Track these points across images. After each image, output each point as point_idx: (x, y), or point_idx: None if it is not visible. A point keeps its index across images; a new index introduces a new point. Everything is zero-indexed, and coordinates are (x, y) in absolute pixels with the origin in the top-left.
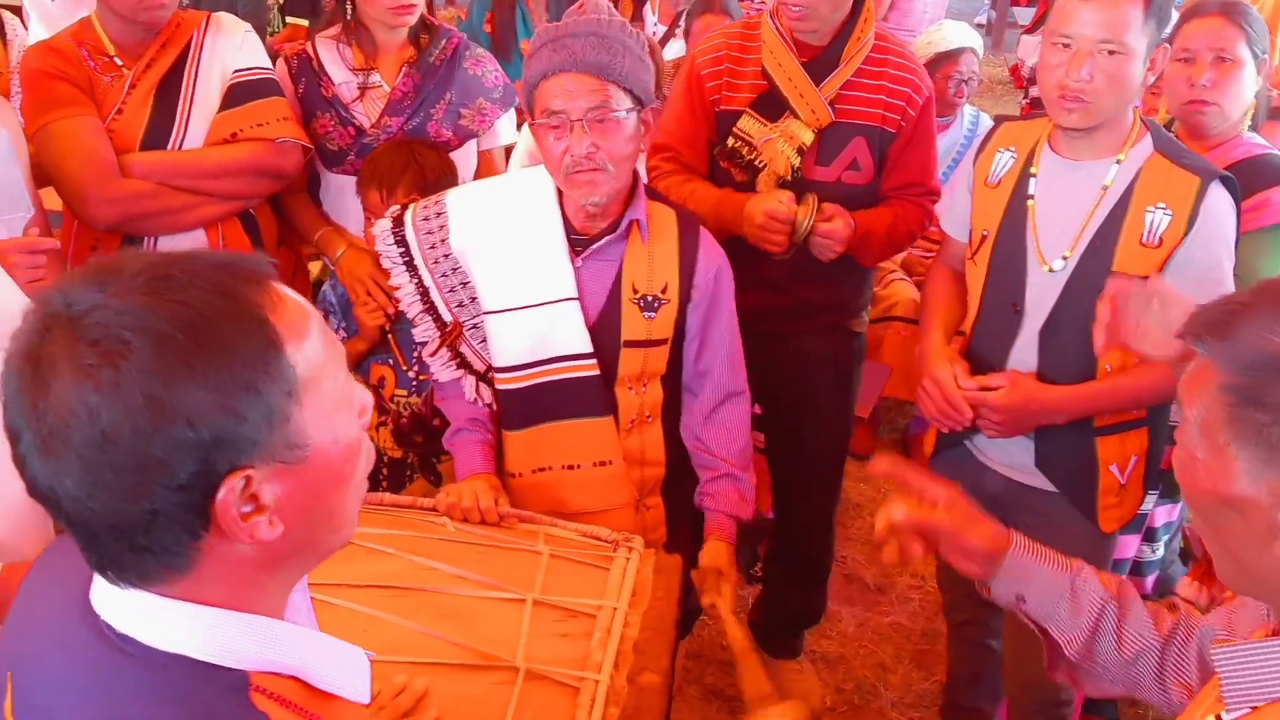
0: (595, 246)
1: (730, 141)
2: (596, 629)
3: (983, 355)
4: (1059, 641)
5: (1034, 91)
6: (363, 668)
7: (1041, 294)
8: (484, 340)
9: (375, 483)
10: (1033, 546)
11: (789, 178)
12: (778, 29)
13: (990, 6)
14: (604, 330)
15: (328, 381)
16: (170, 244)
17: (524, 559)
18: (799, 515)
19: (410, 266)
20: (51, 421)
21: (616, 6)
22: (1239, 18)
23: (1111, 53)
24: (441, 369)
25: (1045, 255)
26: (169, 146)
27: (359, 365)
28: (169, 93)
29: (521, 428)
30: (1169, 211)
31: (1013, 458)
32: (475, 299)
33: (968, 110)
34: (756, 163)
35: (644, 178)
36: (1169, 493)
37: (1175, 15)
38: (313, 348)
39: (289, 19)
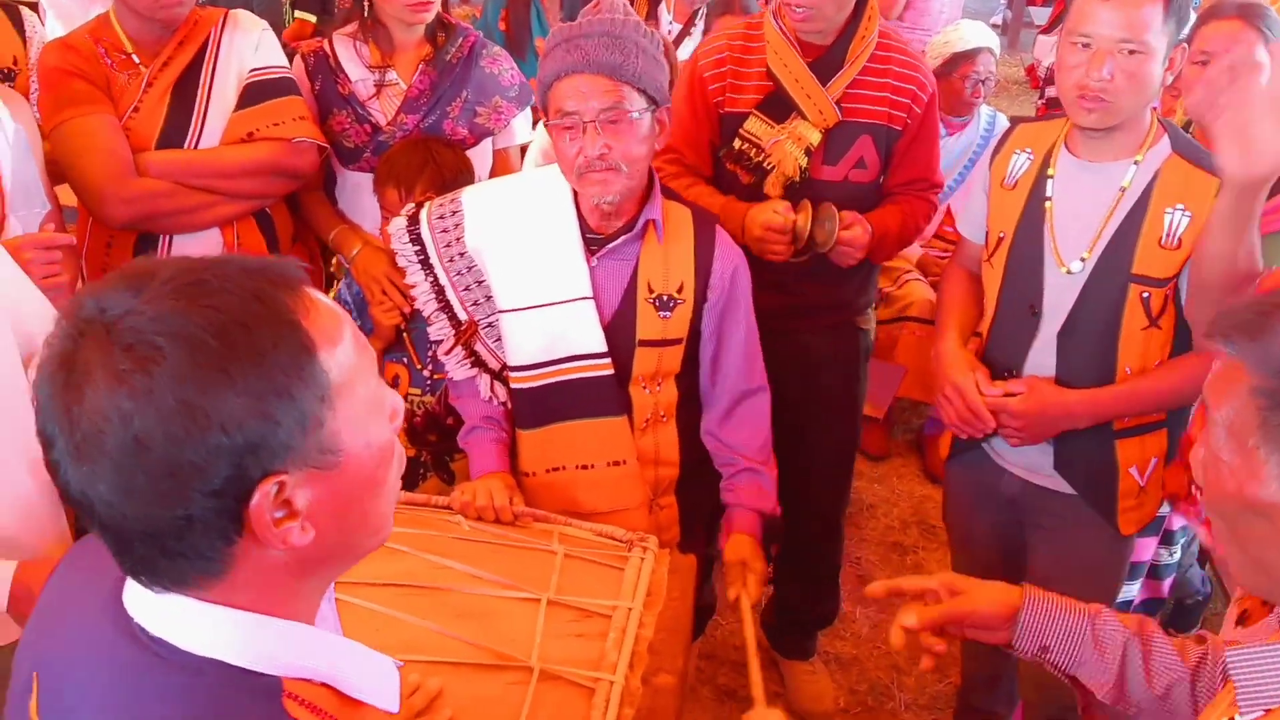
0: (611, 246)
1: (737, 144)
2: (611, 629)
3: (999, 358)
4: (1090, 688)
5: (1050, 92)
6: (392, 676)
7: (1059, 296)
8: (499, 339)
9: None
10: (1047, 596)
11: (797, 179)
12: (781, 29)
13: (1006, 6)
14: (619, 330)
15: (360, 386)
16: (185, 243)
17: (539, 558)
18: (807, 514)
19: (425, 265)
20: (85, 427)
21: (632, 4)
22: (1257, 20)
23: (1131, 52)
24: (456, 367)
25: (1063, 257)
26: (185, 145)
27: None
28: (186, 91)
29: (535, 427)
30: (1188, 212)
31: (1031, 460)
32: (490, 298)
33: (985, 110)
34: (765, 165)
35: None
36: None
37: (1193, 16)
38: (345, 352)
39: (297, 13)
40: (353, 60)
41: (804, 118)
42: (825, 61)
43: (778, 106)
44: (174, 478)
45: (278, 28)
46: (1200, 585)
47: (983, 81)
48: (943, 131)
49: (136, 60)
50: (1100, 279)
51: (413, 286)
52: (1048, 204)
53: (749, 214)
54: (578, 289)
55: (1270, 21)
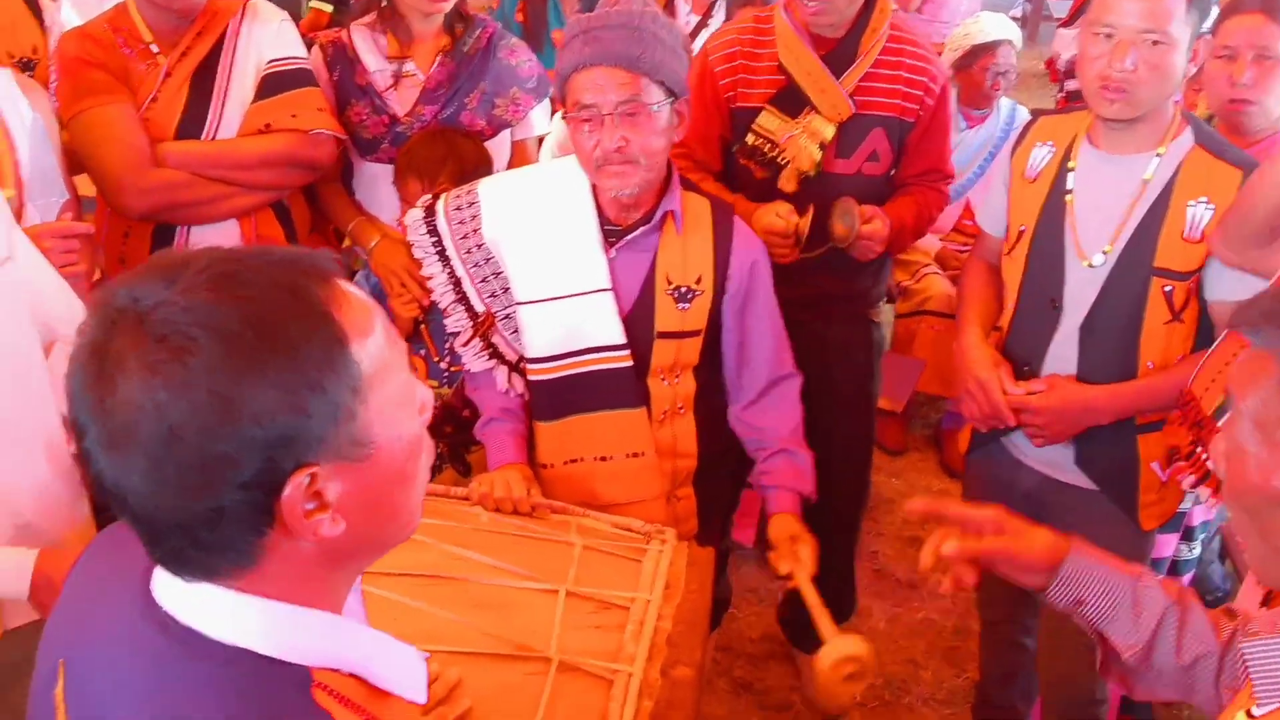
0: (629, 237)
1: (750, 139)
2: (630, 621)
3: (1020, 352)
4: (1117, 647)
5: (1069, 85)
6: (419, 668)
7: (1081, 290)
8: (516, 331)
9: None
10: (1093, 553)
11: (812, 173)
12: (792, 22)
13: None
14: (637, 321)
15: (391, 379)
16: (203, 233)
17: (557, 550)
18: (823, 508)
19: (442, 256)
20: (118, 418)
21: None
22: None
23: (1155, 43)
24: (473, 359)
25: (1084, 250)
26: (203, 136)
27: None
28: (204, 82)
29: (553, 419)
30: (1211, 206)
31: (1051, 455)
32: (508, 289)
33: (1005, 103)
34: (779, 160)
35: None
36: None
37: (1215, 9)
38: (376, 345)
39: (314, 3)
40: (371, 51)
41: (818, 112)
42: (837, 55)
43: (791, 101)
44: (206, 469)
45: (297, 18)
46: (1220, 582)
47: (1003, 74)
48: (962, 124)
49: (155, 50)
50: (1122, 272)
51: (430, 278)
52: (1069, 197)
53: (753, 217)
54: (596, 281)
55: None
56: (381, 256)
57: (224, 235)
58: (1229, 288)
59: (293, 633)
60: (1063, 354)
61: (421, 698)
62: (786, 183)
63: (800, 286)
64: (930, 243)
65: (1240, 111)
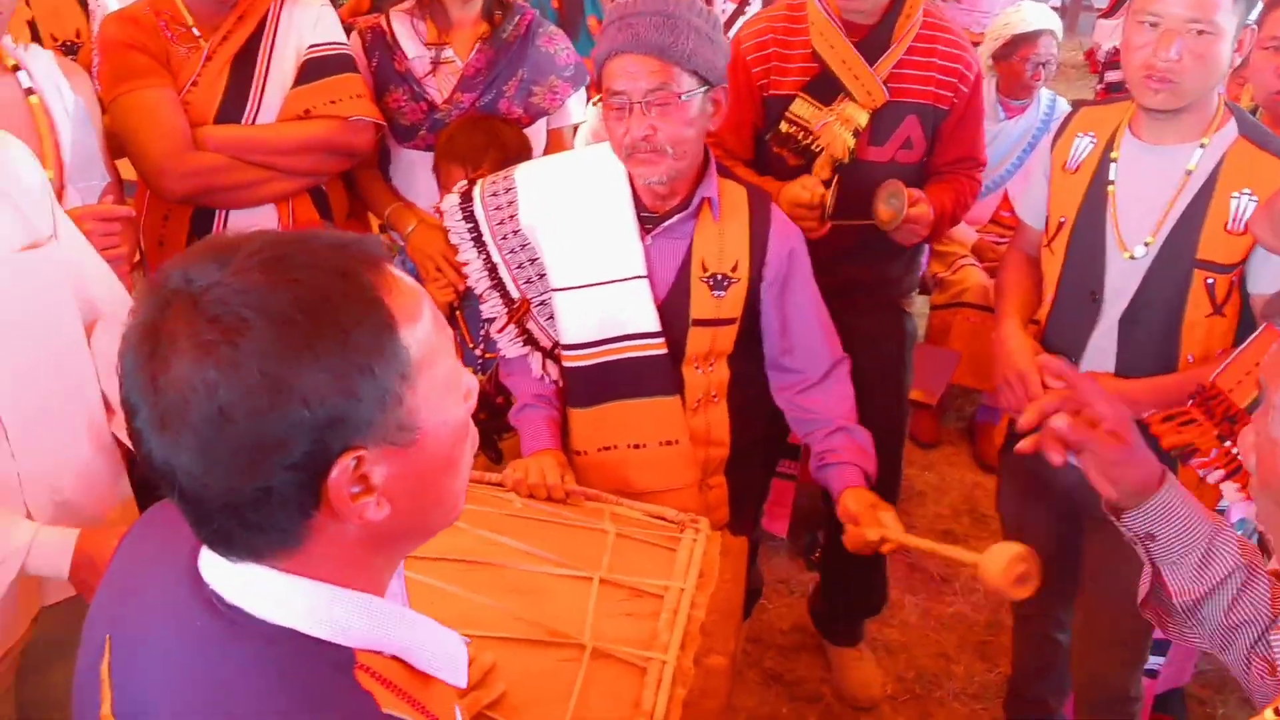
0: (665, 224)
1: (784, 127)
2: (664, 609)
3: (1059, 344)
4: (1170, 589)
5: (1110, 76)
6: (461, 652)
7: (1122, 281)
8: (551, 317)
9: None
10: (1183, 492)
11: (846, 161)
12: (825, 9)
13: None
14: (672, 309)
15: (438, 365)
16: (241, 217)
17: (590, 537)
18: None
19: (479, 242)
20: (170, 397)
21: None
22: None
23: (1200, 32)
24: (508, 345)
25: (1126, 242)
26: (243, 120)
27: None
28: (244, 66)
29: (588, 405)
30: (1255, 197)
31: None
32: (543, 275)
33: (1045, 94)
34: (813, 148)
35: None
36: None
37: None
38: (424, 330)
39: None
40: (410, 37)
41: (852, 99)
42: (871, 41)
43: (824, 88)
44: (255, 450)
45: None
46: None
47: (1043, 64)
48: (1001, 115)
49: (196, 33)
50: (1164, 264)
51: (466, 264)
52: (1111, 188)
53: (780, 193)
54: (632, 268)
55: None
56: (418, 241)
57: (262, 220)
58: (1272, 280)
59: (336, 614)
60: (1102, 346)
61: (462, 681)
62: (820, 170)
63: (830, 274)
64: (967, 234)
65: None
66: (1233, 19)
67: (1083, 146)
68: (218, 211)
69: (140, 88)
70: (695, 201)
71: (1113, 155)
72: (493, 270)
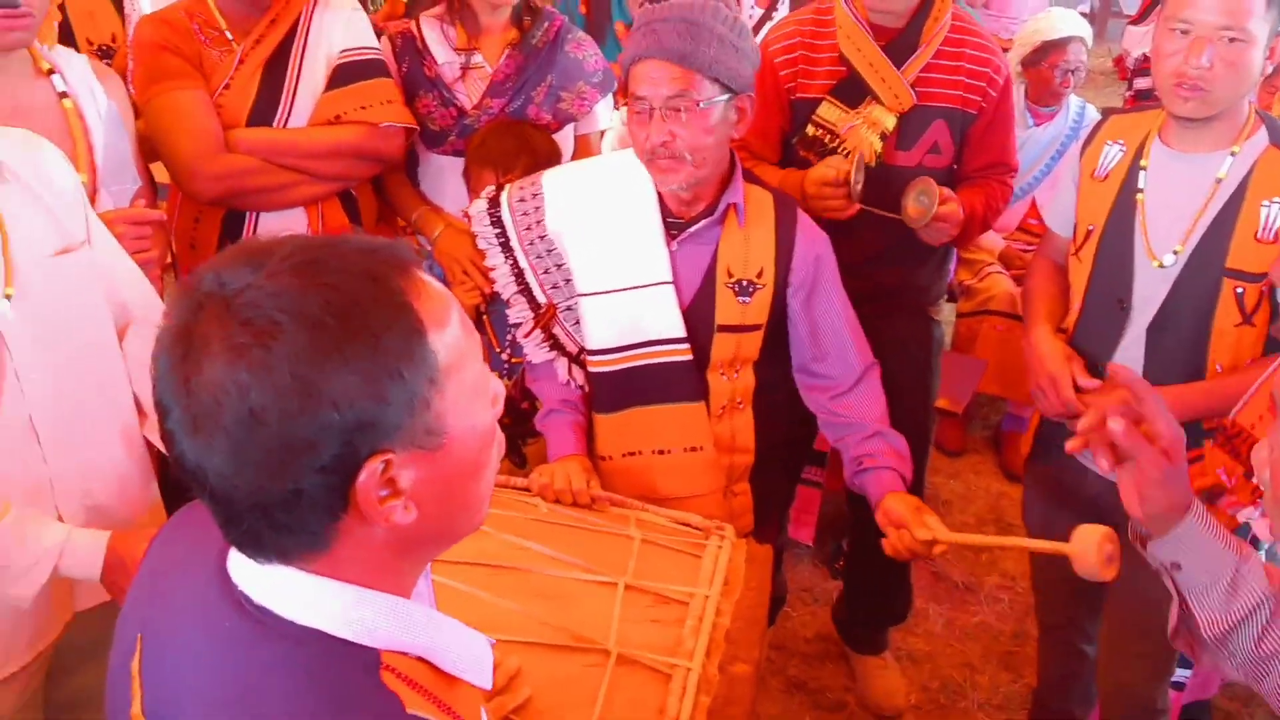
0: (691, 230)
1: (810, 130)
2: (689, 616)
3: (1086, 352)
4: (1199, 620)
5: (1139, 84)
6: (487, 654)
7: (1150, 290)
8: (577, 322)
9: None
10: (1209, 520)
11: (873, 164)
12: (853, 12)
13: None
14: (698, 314)
15: (466, 369)
16: (272, 221)
17: (616, 543)
18: None
19: (506, 247)
20: (202, 399)
21: None
22: None
23: (1232, 40)
24: (535, 350)
25: (1155, 250)
26: (274, 124)
27: None
28: (276, 70)
29: (613, 411)
30: None
31: None
32: (570, 281)
33: (1074, 101)
34: (840, 151)
35: None
36: None
37: None
38: (453, 335)
39: None
40: (440, 42)
41: (879, 102)
42: (899, 44)
43: (851, 91)
44: (286, 451)
45: (366, 6)
46: None
47: (1072, 71)
48: (1030, 122)
49: (229, 37)
50: (1193, 273)
51: (493, 268)
52: (1140, 196)
53: (806, 176)
54: (657, 273)
55: None
56: (445, 245)
57: (292, 224)
58: None
59: (363, 615)
60: (1130, 355)
61: (488, 683)
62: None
63: (858, 279)
64: (994, 242)
65: None
66: (1265, 26)
67: (1112, 154)
68: (248, 215)
69: (173, 89)
70: (721, 207)
71: (1142, 163)
72: (519, 275)
